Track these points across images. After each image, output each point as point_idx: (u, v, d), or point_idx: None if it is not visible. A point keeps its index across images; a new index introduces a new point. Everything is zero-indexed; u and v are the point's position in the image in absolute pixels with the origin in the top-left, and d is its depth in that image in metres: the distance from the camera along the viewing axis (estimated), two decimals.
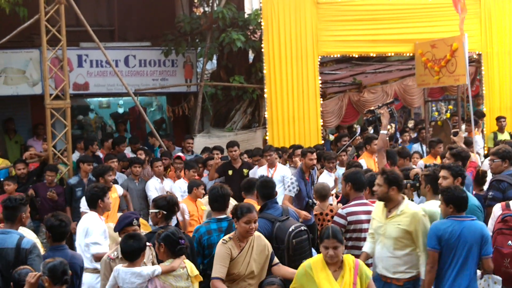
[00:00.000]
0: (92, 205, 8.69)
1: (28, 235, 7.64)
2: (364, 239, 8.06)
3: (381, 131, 10.36)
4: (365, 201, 8.40)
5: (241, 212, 7.00)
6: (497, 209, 8.49)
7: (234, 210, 7.10)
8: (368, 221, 8.07)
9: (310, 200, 10.73)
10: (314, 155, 11.65)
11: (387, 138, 10.70)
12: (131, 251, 6.68)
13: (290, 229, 7.56)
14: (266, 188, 8.22)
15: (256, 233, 7.17)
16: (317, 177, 12.34)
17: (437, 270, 7.37)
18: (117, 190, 11.50)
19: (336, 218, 8.30)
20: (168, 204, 7.89)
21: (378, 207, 7.82)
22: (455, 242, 7.27)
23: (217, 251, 6.98)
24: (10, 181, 11.97)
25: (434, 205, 8.31)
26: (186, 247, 6.84)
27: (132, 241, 6.69)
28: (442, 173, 8.17)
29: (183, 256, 6.80)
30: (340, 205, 9.80)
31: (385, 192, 7.54)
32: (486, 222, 8.95)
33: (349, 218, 8.17)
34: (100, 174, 11.12)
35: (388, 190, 7.52)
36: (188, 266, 6.78)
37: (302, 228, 7.74)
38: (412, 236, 7.41)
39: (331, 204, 10.41)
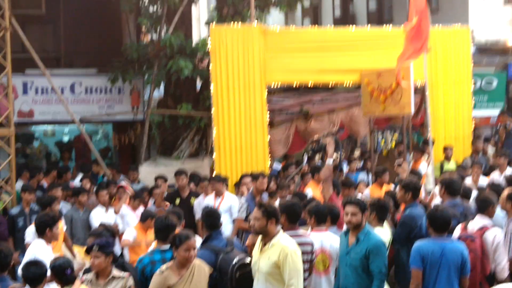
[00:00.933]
0: (40, 233, 8.66)
1: None
2: None
3: (327, 160, 10.40)
4: (298, 232, 8.20)
5: (179, 240, 7.08)
6: (457, 231, 8.79)
7: (172, 239, 7.16)
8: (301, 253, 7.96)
9: None
10: (266, 179, 12.24)
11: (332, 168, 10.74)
12: (32, 277, 6.79)
13: (234, 262, 7.52)
14: (211, 218, 8.18)
15: (198, 261, 7.24)
16: None
17: None
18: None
19: None
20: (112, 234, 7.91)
21: (257, 242, 7.66)
22: (438, 260, 7.61)
23: (152, 281, 7.06)
24: None
25: (381, 233, 8.39)
26: (73, 277, 6.99)
27: (34, 268, 6.84)
28: (350, 208, 8.00)
29: (78, 282, 6.99)
30: None
31: (264, 226, 7.35)
32: None
33: None
34: (47, 204, 10.95)
35: (266, 223, 7.35)
36: None
37: (246, 260, 7.70)
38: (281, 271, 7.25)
39: None
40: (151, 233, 10.63)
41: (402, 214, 9.27)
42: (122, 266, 7.69)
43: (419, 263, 7.65)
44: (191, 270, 7.12)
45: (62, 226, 11.10)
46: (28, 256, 8.42)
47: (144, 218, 10.83)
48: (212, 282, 7.41)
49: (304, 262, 7.92)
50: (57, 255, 8.51)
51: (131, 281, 7.31)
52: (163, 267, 7.12)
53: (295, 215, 8.23)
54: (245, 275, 7.55)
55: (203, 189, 13.45)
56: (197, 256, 7.72)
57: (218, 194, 12.75)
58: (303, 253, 7.92)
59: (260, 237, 7.51)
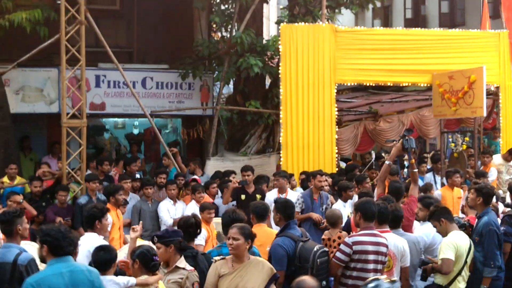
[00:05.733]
0: (90, 226, 8.45)
1: (30, 250, 7.50)
2: (370, 271, 7.84)
3: (386, 162, 10.33)
4: (374, 231, 8.13)
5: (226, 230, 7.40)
6: None
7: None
8: (375, 252, 7.89)
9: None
10: (324, 178, 12.41)
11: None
12: (101, 262, 6.85)
13: (315, 249, 7.69)
14: (288, 208, 8.30)
15: (259, 259, 7.26)
16: (331, 205, 12.30)
17: None
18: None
19: (342, 246, 8.12)
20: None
21: None
22: None
23: (209, 270, 7.22)
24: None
25: (459, 237, 8.42)
26: (159, 263, 7.05)
27: (103, 253, 6.93)
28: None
29: (159, 276, 6.99)
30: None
31: None
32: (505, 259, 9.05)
33: (355, 248, 7.94)
34: (111, 193, 11.15)
35: None
36: (160, 286, 6.96)
37: (325, 249, 7.92)
38: None
39: (341, 232, 10.18)
40: (213, 227, 10.75)
41: (479, 221, 9.06)
42: (194, 258, 7.73)
43: None
44: (246, 266, 7.04)
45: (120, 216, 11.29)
46: (84, 251, 7.82)
47: (202, 212, 10.82)
48: (290, 272, 7.54)
49: (378, 262, 7.95)
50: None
51: (194, 278, 7.18)
52: (218, 257, 7.22)
53: (370, 213, 8.16)
54: (324, 263, 7.74)
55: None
56: (277, 243, 7.78)
57: (281, 190, 12.80)
58: (378, 253, 7.93)
59: None
